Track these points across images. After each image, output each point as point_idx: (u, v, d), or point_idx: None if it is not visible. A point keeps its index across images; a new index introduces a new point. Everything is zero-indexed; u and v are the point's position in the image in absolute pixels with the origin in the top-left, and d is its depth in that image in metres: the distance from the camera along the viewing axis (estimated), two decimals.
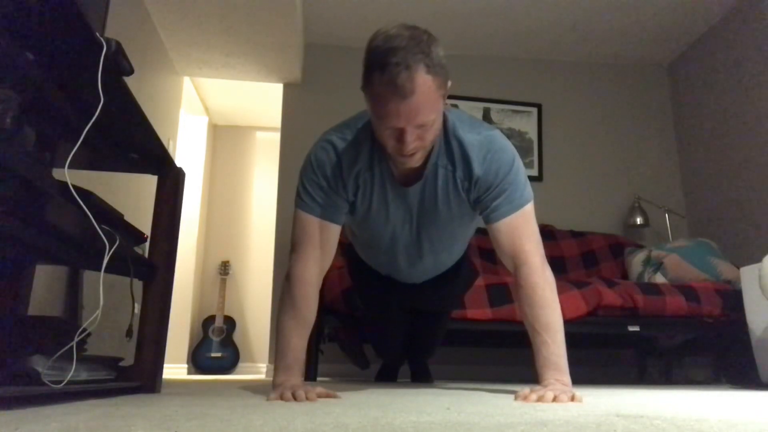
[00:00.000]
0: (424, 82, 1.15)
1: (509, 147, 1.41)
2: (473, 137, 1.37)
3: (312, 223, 1.41)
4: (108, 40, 1.11)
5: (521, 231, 1.39)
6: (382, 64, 1.15)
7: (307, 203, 1.42)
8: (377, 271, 1.83)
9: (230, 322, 4.48)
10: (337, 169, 1.40)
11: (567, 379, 1.30)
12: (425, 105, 1.18)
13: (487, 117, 3.90)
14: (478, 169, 1.37)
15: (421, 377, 2.52)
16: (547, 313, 1.34)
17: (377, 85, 1.17)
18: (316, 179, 1.41)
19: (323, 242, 1.42)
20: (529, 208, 1.41)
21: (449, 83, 1.24)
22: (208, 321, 4.44)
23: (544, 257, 1.41)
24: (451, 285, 1.92)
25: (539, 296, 1.35)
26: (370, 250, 1.75)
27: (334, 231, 1.44)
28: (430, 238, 1.59)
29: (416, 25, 1.21)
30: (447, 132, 1.37)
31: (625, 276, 3.26)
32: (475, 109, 3.89)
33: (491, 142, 1.38)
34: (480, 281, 2.45)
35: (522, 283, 1.37)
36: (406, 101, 1.15)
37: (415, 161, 1.31)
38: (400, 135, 1.22)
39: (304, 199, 1.42)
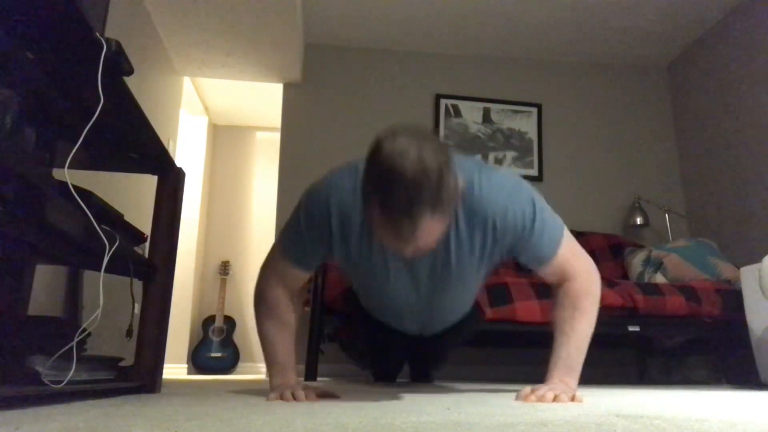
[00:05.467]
0: (428, 225, 1.04)
1: (526, 193, 1.30)
2: (488, 194, 1.26)
3: (285, 264, 1.38)
4: (108, 40, 1.11)
5: (567, 260, 1.33)
6: (384, 203, 1.03)
7: (286, 246, 1.37)
8: (378, 319, 1.75)
9: (230, 322, 4.48)
10: (326, 230, 1.31)
11: (572, 381, 1.29)
12: (429, 240, 1.09)
13: (487, 117, 3.90)
14: (500, 228, 1.28)
15: (421, 377, 2.51)
16: (582, 321, 1.32)
17: (376, 216, 1.06)
18: (300, 233, 1.33)
19: (289, 280, 1.39)
20: (566, 236, 1.33)
21: (458, 185, 1.13)
22: (208, 321, 4.44)
23: (590, 267, 1.36)
24: (457, 330, 1.83)
25: (581, 305, 1.32)
26: (370, 302, 1.68)
27: (303, 276, 1.41)
28: (441, 299, 1.51)
29: (428, 136, 1.07)
30: (462, 198, 1.24)
31: (625, 276, 3.26)
32: (475, 108, 3.89)
33: (509, 196, 1.27)
34: None
35: (567, 293, 1.33)
36: (408, 243, 1.07)
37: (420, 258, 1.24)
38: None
39: (285, 239, 1.37)
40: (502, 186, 1.28)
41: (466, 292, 1.53)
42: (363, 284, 1.57)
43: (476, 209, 1.25)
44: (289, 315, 1.40)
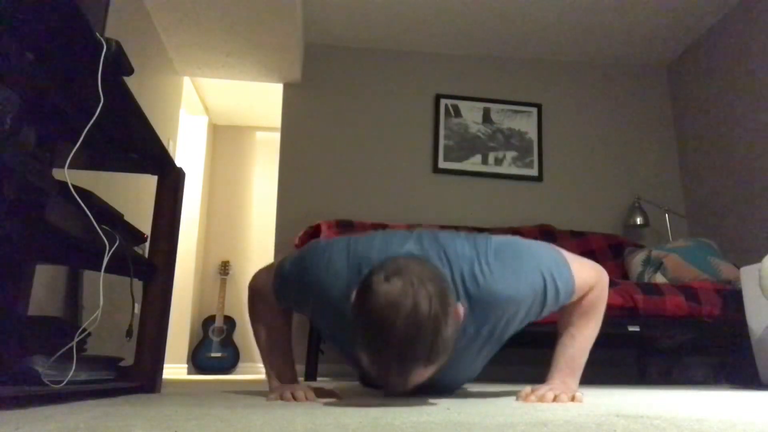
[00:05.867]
0: (420, 374, 0.97)
1: (528, 259, 1.21)
2: (494, 283, 1.16)
3: (270, 290, 1.35)
4: (108, 40, 1.11)
5: (581, 284, 1.27)
6: (373, 357, 0.95)
7: (277, 278, 1.33)
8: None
9: (230, 322, 4.48)
10: (317, 310, 1.28)
11: (573, 382, 1.28)
12: (420, 381, 1.00)
13: (487, 117, 3.90)
14: (511, 312, 1.21)
15: None
16: (590, 325, 1.31)
17: (366, 360, 0.97)
18: (290, 288, 1.30)
19: (272, 301, 1.38)
20: (572, 266, 1.26)
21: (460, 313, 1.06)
22: (208, 321, 4.44)
23: (599, 274, 1.33)
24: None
25: (592, 311, 1.31)
26: (361, 369, 1.57)
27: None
28: (444, 378, 1.40)
29: (425, 274, 0.97)
30: (466, 293, 1.17)
31: (625, 276, 3.26)
32: (475, 108, 3.89)
33: (514, 273, 1.18)
34: None
35: (581, 302, 1.31)
36: (397, 389, 0.99)
37: None
38: None
39: (278, 273, 1.33)
40: (505, 267, 1.18)
41: (474, 366, 1.42)
42: (354, 360, 1.49)
43: (483, 302, 1.17)
44: (280, 318, 1.40)
